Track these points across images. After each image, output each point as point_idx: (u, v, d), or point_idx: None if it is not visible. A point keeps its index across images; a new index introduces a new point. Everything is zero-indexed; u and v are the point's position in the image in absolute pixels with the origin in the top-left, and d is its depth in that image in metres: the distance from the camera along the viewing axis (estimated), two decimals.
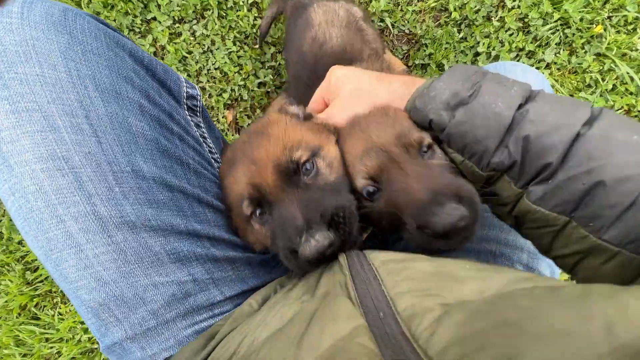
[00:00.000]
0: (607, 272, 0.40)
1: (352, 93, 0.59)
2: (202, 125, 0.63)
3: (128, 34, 1.27)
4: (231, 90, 1.25)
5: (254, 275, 0.60)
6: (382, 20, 1.21)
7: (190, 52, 1.27)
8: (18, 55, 0.43)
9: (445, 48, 1.17)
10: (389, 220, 0.52)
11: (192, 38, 1.27)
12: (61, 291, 1.24)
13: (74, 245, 0.44)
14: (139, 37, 1.27)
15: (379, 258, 0.43)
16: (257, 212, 0.56)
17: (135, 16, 1.26)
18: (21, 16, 0.44)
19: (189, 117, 0.60)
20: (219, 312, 0.53)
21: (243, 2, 1.23)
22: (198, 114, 0.63)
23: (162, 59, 1.28)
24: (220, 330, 0.48)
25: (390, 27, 1.21)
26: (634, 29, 1.11)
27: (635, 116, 1.11)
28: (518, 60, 1.15)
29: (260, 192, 0.54)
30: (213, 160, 0.63)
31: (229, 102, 1.27)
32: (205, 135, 0.63)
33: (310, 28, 0.89)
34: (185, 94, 0.60)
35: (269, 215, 0.55)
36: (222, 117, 1.26)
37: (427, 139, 0.53)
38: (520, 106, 0.44)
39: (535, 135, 0.41)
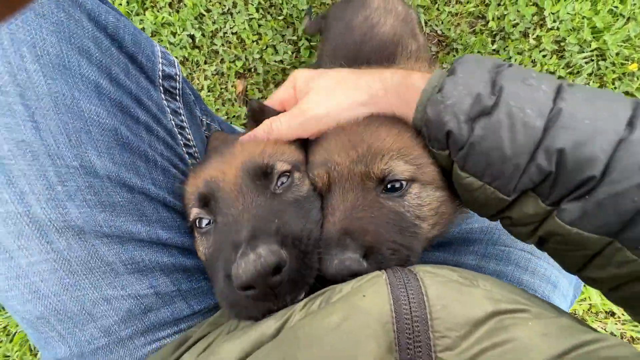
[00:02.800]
0: None
1: (333, 83, 0.50)
2: (181, 112, 0.53)
3: None
4: (245, 59, 1.18)
5: None
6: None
7: (208, 10, 1.18)
8: None
9: None
10: None
11: None
12: None
13: (2, 251, 0.36)
14: None
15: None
16: (202, 218, 0.46)
17: None
18: None
19: (164, 102, 0.50)
20: (186, 327, 0.47)
21: None
22: (177, 97, 0.53)
23: (177, 12, 1.18)
24: (195, 335, 0.42)
25: (424, 24, 1.15)
26: None
27: None
28: None
29: (212, 190, 0.44)
30: (187, 156, 0.54)
31: (241, 71, 1.19)
32: (184, 124, 0.54)
33: (366, 8, 0.85)
34: (160, 72, 0.50)
35: (215, 223, 0.45)
36: (232, 86, 1.19)
37: (401, 175, 0.45)
38: (550, 110, 0.36)
39: (571, 145, 0.34)
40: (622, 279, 0.35)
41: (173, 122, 0.52)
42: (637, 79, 1.08)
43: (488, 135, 0.37)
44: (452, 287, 0.35)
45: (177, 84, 0.53)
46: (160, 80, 0.50)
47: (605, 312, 1.08)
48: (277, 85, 1.20)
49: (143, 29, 1.16)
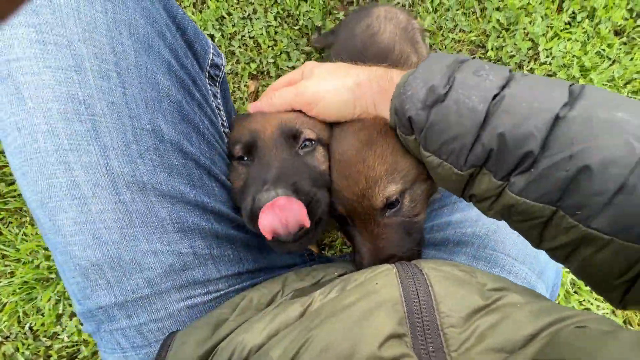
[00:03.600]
0: (600, 262, 0.37)
1: (329, 70, 0.58)
2: (218, 96, 0.61)
3: None
4: (260, 62, 1.25)
5: (251, 259, 0.58)
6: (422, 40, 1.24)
7: (229, 14, 1.25)
8: None
9: None
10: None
11: (235, 0, 1.26)
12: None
13: (79, 196, 0.40)
14: None
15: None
16: (243, 156, 0.57)
17: None
18: None
19: (208, 85, 0.58)
20: (213, 290, 0.52)
21: None
22: (217, 84, 0.61)
23: (200, 12, 1.26)
24: (227, 322, 0.45)
25: (428, 47, 1.24)
26: None
27: None
28: None
29: (254, 139, 0.56)
30: (225, 135, 0.62)
31: (255, 72, 1.26)
32: (220, 107, 0.61)
33: (368, 17, 0.90)
34: (209, 61, 0.58)
35: (251, 162, 0.56)
36: (245, 86, 1.25)
37: (395, 194, 0.53)
38: (495, 96, 0.40)
39: (510, 126, 0.38)
40: (570, 245, 0.39)
41: (214, 104, 0.59)
42: None
43: (440, 119, 0.42)
44: (454, 280, 0.41)
45: (221, 72, 0.61)
46: (207, 67, 0.58)
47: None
48: None
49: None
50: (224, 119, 0.62)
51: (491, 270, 0.64)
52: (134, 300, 0.44)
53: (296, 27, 1.25)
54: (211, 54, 0.58)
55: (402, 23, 0.92)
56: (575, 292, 1.10)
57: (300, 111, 0.60)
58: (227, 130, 0.62)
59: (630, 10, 1.20)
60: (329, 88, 0.56)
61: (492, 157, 0.40)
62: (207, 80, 0.58)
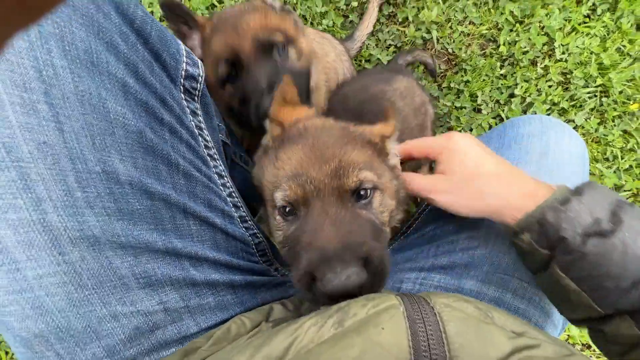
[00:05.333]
0: None
1: (501, 172, 0.53)
2: (199, 112, 0.52)
3: None
4: None
5: (236, 302, 0.52)
6: (428, 32, 1.15)
7: (220, 2, 1.16)
8: None
9: (484, 80, 1.13)
10: (289, 252, 0.50)
11: None
12: None
13: (8, 261, 0.34)
14: None
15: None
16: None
17: None
18: None
19: (184, 102, 0.49)
20: None
21: None
22: (196, 98, 0.52)
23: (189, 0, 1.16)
24: (199, 351, 0.40)
25: (435, 41, 1.15)
26: None
27: None
28: (549, 114, 1.12)
29: (236, 55, 0.57)
30: (208, 158, 0.53)
31: None
32: (202, 125, 0.53)
33: (389, 84, 0.89)
34: (183, 72, 0.48)
35: (240, 78, 0.55)
36: None
37: (369, 183, 0.50)
38: None
39: None
40: None
41: (193, 123, 0.50)
42: (637, 119, 1.10)
43: (600, 253, 0.42)
44: (471, 323, 0.36)
45: (199, 85, 0.51)
46: (182, 80, 0.48)
47: (582, 344, 1.10)
48: None
49: (152, 12, 1.14)
50: (207, 139, 0.53)
51: (502, 296, 0.59)
52: None
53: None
54: (184, 64, 0.48)
55: (415, 104, 0.90)
56: None
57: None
58: (212, 151, 0.54)
59: None
60: (502, 197, 0.51)
61: None
62: (182, 95, 0.49)
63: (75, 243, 0.36)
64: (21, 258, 0.34)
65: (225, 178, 0.56)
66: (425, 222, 0.74)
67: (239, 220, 0.57)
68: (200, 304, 0.47)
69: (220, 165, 0.56)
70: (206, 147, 0.53)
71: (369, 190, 0.51)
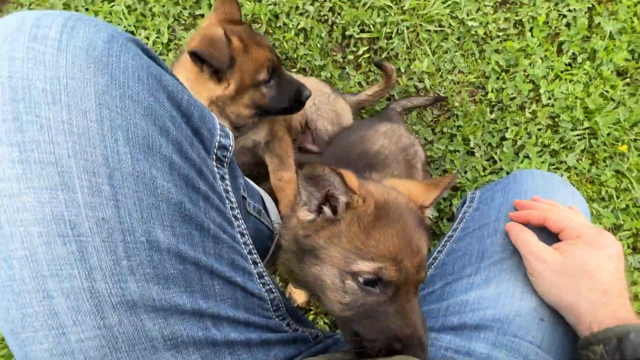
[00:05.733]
0: None
1: (579, 273, 0.55)
2: (226, 177, 0.58)
3: (173, 23, 1.26)
4: None
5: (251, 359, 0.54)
6: (421, 81, 1.23)
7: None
8: (45, 95, 0.37)
9: (475, 124, 1.18)
10: (356, 316, 0.55)
11: None
12: None
13: (57, 326, 0.37)
14: (182, 29, 1.27)
15: None
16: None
17: (185, 8, 1.26)
18: (58, 45, 0.38)
19: (216, 169, 0.55)
20: None
21: (293, 25, 1.24)
22: (225, 165, 0.58)
23: None
24: None
25: (428, 88, 1.22)
26: None
27: None
28: (541, 156, 1.16)
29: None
30: (233, 219, 0.57)
31: None
32: (229, 188, 0.58)
33: (369, 129, 0.98)
34: (217, 143, 0.55)
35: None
36: None
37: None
38: None
39: None
40: None
41: (222, 188, 0.56)
42: (628, 159, 1.13)
43: None
44: None
45: (229, 153, 0.57)
46: (215, 150, 0.55)
47: None
48: None
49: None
50: (233, 200, 0.58)
51: None
52: None
53: (294, 70, 1.25)
54: (218, 136, 0.55)
55: (401, 143, 0.97)
56: None
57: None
58: (236, 211, 0.59)
59: (632, 52, 1.19)
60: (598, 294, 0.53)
61: None
62: (214, 163, 0.55)
63: (115, 307, 0.39)
64: (68, 323, 0.37)
65: (246, 236, 0.60)
66: (433, 277, 0.75)
67: (257, 276, 0.59)
68: None
69: (242, 224, 0.60)
70: (231, 208, 0.57)
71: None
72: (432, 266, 0.77)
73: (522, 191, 0.72)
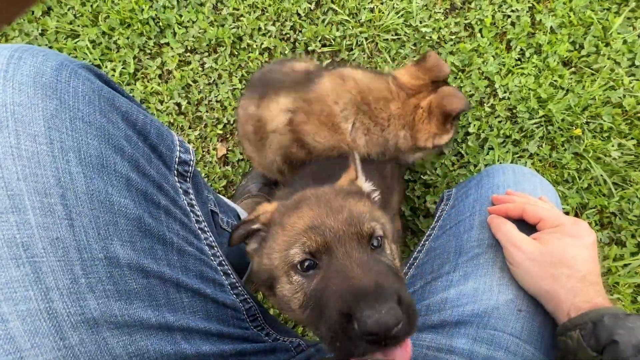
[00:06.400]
0: None
1: (556, 262, 0.56)
2: (190, 192, 0.59)
3: (138, 53, 1.28)
4: (227, 121, 1.26)
5: None
6: None
7: (195, 82, 1.29)
8: None
9: None
10: (313, 311, 0.49)
11: (200, 69, 1.29)
12: None
13: (14, 350, 0.37)
14: (147, 58, 1.29)
15: None
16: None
17: (150, 38, 1.29)
18: (4, 75, 0.39)
19: (177, 184, 0.56)
20: None
21: (257, 45, 1.29)
22: (188, 180, 0.59)
23: (166, 82, 1.29)
24: None
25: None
26: (608, 137, 1.20)
27: (607, 217, 1.16)
28: (504, 146, 1.21)
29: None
30: (199, 232, 0.58)
31: (221, 132, 1.27)
32: (193, 202, 0.59)
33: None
34: (177, 159, 0.56)
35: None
36: (213, 149, 1.25)
37: (379, 231, 0.53)
38: None
39: None
40: None
41: (185, 202, 0.57)
42: (583, 141, 1.20)
43: None
44: None
45: (190, 167, 0.59)
46: (175, 166, 0.56)
47: None
48: None
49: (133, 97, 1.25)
50: (198, 213, 0.59)
51: (495, 354, 0.59)
52: None
53: None
54: (177, 152, 0.56)
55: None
56: None
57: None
58: (203, 224, 0.59)
59: (573, 43, 1.28)
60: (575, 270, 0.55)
61: None
62: (176, 179, 0.56)
63: (76, 327, 0.38)
64: (26, 347, 0.37)
65: (215, 248, 0.60)
66: (414, 277, 0.75)
67: (229, 287, 0.59)
68: None
69: (210, 236, 0.60)
70: (197, 221, 0.58)
71: (380, 238, 0.53)
72: (413, 266, 0.78)
73: (495, 185, 0.73)
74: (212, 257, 0.58)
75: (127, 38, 1.28)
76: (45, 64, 0.42)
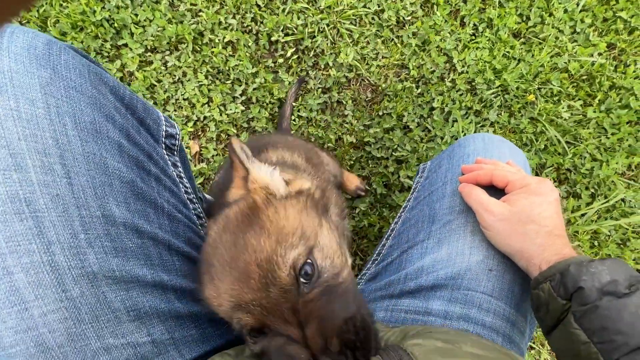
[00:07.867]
0: None
1: (525, 220, 0.58)
2: (178, 165, 0.62)
3: (95, 57, 1.24)
4: (197, 119, 1.25)
5: (218, 334, 0.55)
6: (350, 71, 1.31)
7: (159, 81, 1.26)
8: None
9: (405, 101, 1.29)
10: None
11: (163, 68, 1.27)
12: None
13: (19, 302, 0.38)
14: (106, 62, 1.25)
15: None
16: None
17: (106, 40, 1.25)
18: (0, 46, 0.41)
19: (166, 156, 0.59)
20: None
21: (219, 40, 1.28)
22: (175, 153, 0.62)
23: (129, 84, 1.26)
24: None
25: (356, 77, 1.31)
26: (559, 100, 1.30)
27: (564, 174, 1.27)
28: (467, 117, 1.29)
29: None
30: (188, 202, 0.61)
31: (192, 130, 1.26)
32: (182, 175, 0.61)
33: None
34: (164, 132, 0.59)
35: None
36: (187, 147, 1.24)
37: (301, 258, 0.44)
38: None
39: None
40: None
41: (175, 173, 0.60)
42: (537, 106, 1.29)
43: (612, 307, 0.45)
44: (437, 352, 0.43)
45: (177, 141, 0.62)
46: (163, 139, 0.58)
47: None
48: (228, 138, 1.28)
49: None
50: (187, 185, 0.62)
51: (469, 312, 0.62)
52: None
53: (228, 82, 1.28)
54: (164, 126, 0.59)
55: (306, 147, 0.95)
56: None
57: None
58: (192, 196, 0.62)
59: (521, 15, 1.36)
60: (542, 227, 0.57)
61: None
62: (164, 151, 0.58)
63: (76, 280, 0.40)
64: (30, 298, 0.38)
65: (204, 219, 0.63)
66: (391, 248, 0.78)
67: None
68: (184, 335, 0.50)
69: (199, 207, 0.63)
70: (186, 192, 0.61)
71: (307, 266, 0.44)
72: (390, 237, 0.81)
73: (465, 154, 0.76)
74: (200, 227, 0.61)
75: (82, 42, 1.23)
76: (36, 40, 0.43)
